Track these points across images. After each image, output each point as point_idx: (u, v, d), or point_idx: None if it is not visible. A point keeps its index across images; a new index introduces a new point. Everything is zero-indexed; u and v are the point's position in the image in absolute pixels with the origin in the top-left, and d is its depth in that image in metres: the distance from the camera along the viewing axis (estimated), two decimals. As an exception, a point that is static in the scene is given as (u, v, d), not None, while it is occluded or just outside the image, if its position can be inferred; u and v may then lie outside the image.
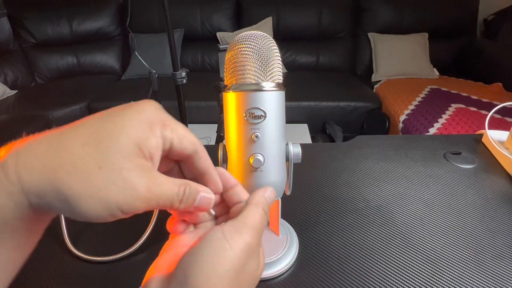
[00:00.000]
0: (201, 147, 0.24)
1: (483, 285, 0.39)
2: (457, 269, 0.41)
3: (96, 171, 0.19)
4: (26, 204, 0.18)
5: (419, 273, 0.40)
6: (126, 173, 0.19)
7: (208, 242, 0.21)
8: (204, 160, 0.25)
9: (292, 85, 2.22)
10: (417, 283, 0.39)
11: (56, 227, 0.46)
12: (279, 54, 0.34)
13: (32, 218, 0.19)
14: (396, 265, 0.42)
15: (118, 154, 0.19)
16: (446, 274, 0.40)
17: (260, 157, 0.33)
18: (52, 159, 0.18)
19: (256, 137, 0.33)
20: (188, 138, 0.23)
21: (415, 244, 0.45)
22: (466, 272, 0.41)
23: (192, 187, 0.23)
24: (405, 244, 0.45)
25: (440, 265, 0.41)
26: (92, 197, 0.18)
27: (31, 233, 0.20)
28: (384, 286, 0.39)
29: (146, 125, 0.21)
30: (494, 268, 0.41)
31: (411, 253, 0.43)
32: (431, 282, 0.39)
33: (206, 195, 0.24)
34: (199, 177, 0.25)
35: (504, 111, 1.66)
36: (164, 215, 0.50)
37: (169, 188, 0.22)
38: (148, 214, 0.47)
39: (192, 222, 0.26)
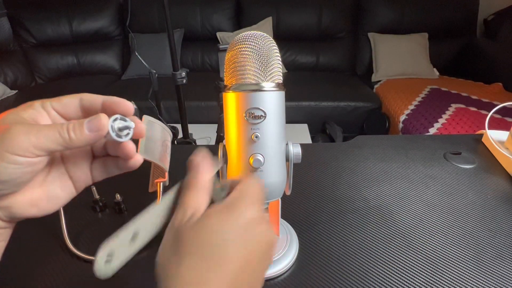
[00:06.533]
0: (83, 95, 0.27)
1: (483, 285, 0.39)
2: (457, 269, 0.41)
3: None
4: None
5: (419, 273, 0.40)
6: None
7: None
8: (91, 96, 0.27)
9: (292, 85, 2.21)
10: (417, 283, 0.39)
11: (56, 227, 0.45)
12: (279, 54, 0.34)
13: None
14: (396, 265, 0.42)
15: None
16: (446, 274, 0.40)
17: (260, 157, 0.33)
18: None
19: (256, 137, 0.33)
20: (67, 97, 0.27)
21: (415, 244, 0.45)
22: (466, 272, 0.41)
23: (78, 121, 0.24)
24: (405, 244, 0.45)
25: (440, 265, 0.41)
26: None
27: None
28: (384, 286, 0.39)
29: (25, 105, 0.24)
30: (494, 268, 0.41)
31: (411, 253, 0.43)
32: (431, 282, 0.39)
33: (93, 117, 0.24)
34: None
35: (504, 111, 1.66)
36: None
37: (51, 125, 0.23)
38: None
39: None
